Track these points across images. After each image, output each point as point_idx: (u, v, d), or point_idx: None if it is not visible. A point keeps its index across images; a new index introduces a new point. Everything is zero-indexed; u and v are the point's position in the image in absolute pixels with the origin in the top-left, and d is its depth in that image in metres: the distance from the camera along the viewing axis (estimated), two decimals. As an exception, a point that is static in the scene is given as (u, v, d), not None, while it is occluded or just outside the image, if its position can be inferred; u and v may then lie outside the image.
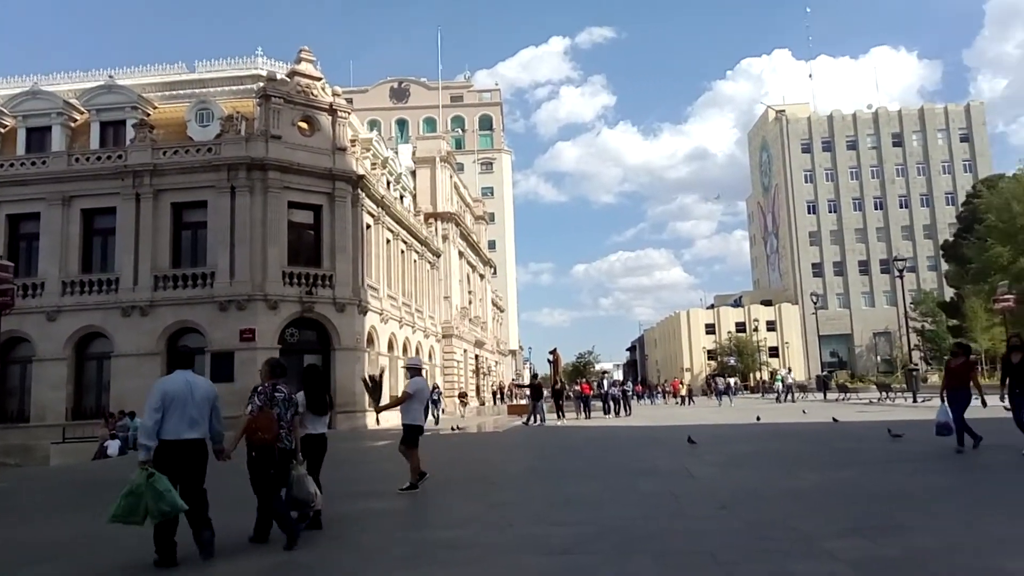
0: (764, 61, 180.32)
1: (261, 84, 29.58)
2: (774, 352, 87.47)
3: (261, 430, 6.91)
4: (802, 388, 58.77)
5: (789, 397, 41.36)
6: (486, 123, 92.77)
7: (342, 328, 28.83)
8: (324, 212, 29.39)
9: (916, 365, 39.45)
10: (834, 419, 20.85)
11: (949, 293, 66.90)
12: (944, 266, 70.73)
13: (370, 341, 31.62)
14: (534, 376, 34.90)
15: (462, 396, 40.10)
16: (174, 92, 32.72)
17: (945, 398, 12.24)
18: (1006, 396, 11.35)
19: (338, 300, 28.75)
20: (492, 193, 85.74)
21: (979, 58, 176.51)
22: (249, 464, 6.99)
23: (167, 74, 33.90)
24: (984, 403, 12.40)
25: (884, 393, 34.57)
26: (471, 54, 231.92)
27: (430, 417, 30.66)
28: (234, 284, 27.10)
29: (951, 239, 61.37)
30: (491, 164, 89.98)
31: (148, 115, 30.54)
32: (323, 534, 7.47)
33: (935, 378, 49.16)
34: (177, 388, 6.60)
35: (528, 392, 30.09)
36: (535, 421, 26.90)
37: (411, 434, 10.58)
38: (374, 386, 11.05)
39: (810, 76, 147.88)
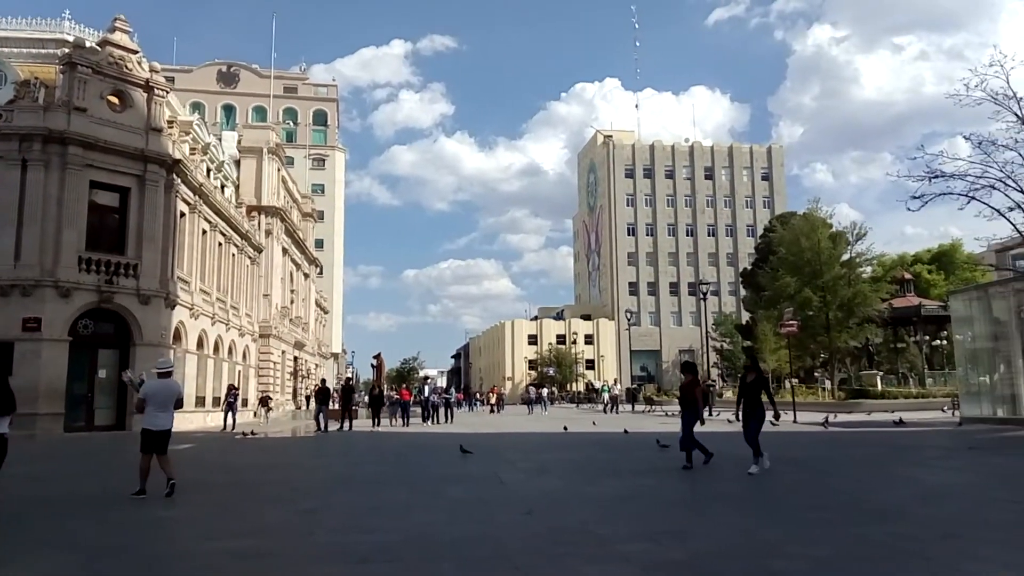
0: (596, 87, 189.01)
1: (67, 50, 26.90)
2: (591, 364, 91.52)
3: None
4: (613, 400, 61.89)
5: (614, 408, 41.79)
6: (321, 118, 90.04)
7: (145, 322, 26.72)
8: (132, 196, 27.17)
9: (713, 381, 42.80)
10: (625, 431, 21.90)
11: (745, 317, 73.23)
12: (742, 292, 77.37)
13: (177, 337, 29.55)
14: (322, 380, 33.25)
15: (264, 401, 37.24)
16: (-42, 48, 28.97)
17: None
18: (739, 413, 11.70)
19: (143, 292, 26.64)
20: (323, 191, 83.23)
21: (781, 106, 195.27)
22: None
23: (-50, 27, 29.97)
24: (702, 420, 12.63)
25: (614, 406, 37.41)
26: (308, 46, 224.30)
27: (230, 421, 28.18)
28: (19, 267, 24.40)
29: (749, 268, 67.17)
30: (324, 161, 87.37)
31: (-77, 70, 26.84)
32: (102, 543, 6.79)
33: (730, 394, 53.57)
34: None
35: (317, 397, 27.98)
36: (321, 429, 25.28)
37: (142, 439, 9.94)
38: (138, 385, 10.42)
39: (636, 106, 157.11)
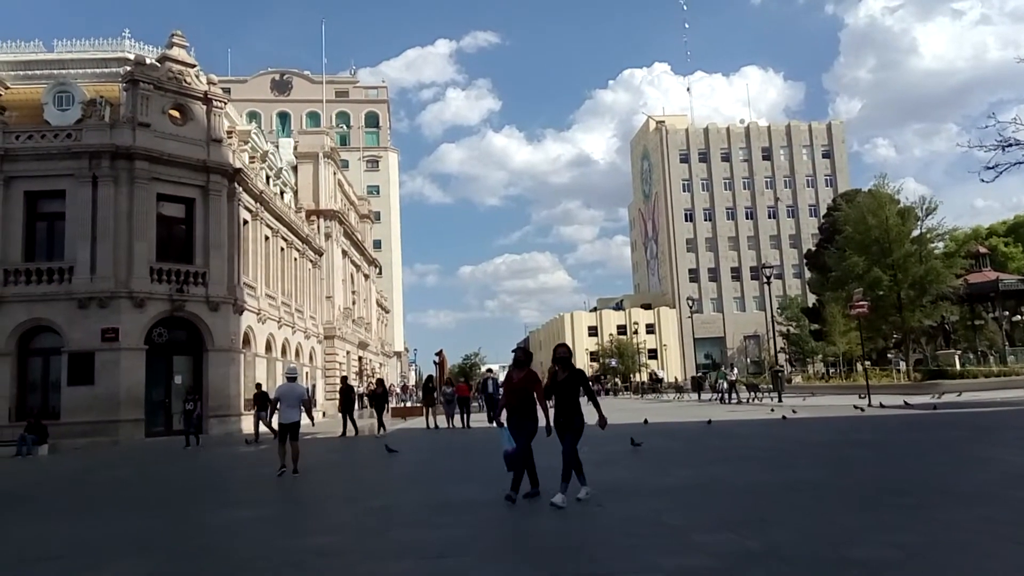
0: (644, 73, 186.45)
1: (128, 68, 27.85)
2: (653, 354, 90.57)
3: None
4: (679, 389, 61.07)
5: (733, 397, 35.42)
6: (372, 120, 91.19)
7: (216, 328, 27.53)
8: (197, 206, 27.99)
9: (781, 367, 41.75)
10: (709, 421, 21.00)
11: (812, 299, 71.32)
12: (807, 274, 75.33)
13: (246, 342, 30.36)
14: (343, 378, 27.76)
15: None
16: (29, 72, 30.26)
17: (505, 421, 8.95)
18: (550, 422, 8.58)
19: (212, 299, 27.44)
20: (378, 192, 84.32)
21: (836, 82, 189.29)
22: None
23: (21, 52, 31.26)
24: (548, 430, 8.61)
25: (752, 393, 36.31)
26: (355, 51, 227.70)
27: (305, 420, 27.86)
28: (95, 280, 25.38)
29: (814, 248, 65.38)
30: (377, 162, 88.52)
31: (-1, 95, 28.16)
32: (187, 544, 6.99)
33: (799, 379, 52.32)
34: None
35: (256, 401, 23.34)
36: (380, 431, 22.62)
37: (279, 431, 12.79)
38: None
39: (688, 90, 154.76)
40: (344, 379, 26.70)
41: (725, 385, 36.73)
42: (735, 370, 41.00)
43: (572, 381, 8.42)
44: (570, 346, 8.74)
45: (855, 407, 23.47)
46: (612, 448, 15.06)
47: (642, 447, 14.07)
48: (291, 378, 13.25)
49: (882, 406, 23.45)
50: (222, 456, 18.74)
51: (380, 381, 27.46)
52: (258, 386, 25.30)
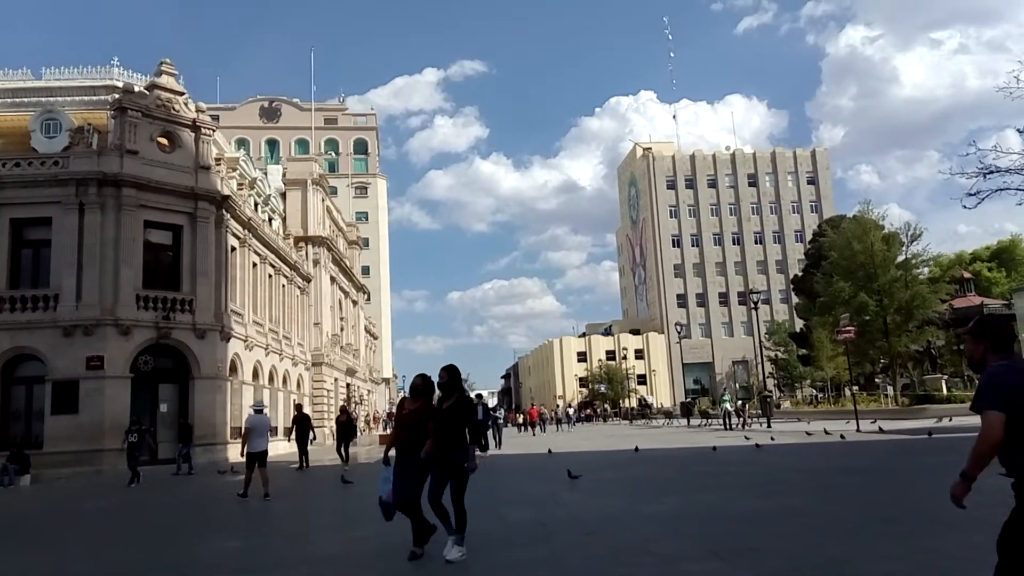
0: (630, 100, 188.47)
1: (116, 95, 27.88)
2: (642, 380, 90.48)
3: None
4: (667, 415, 60.97)
5: (739, 424, 34.02)
6: (361, 147, 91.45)
7: (202, 356, 27.29)
8: (185, 233, 27.88)
9: (770, 392, 41.80)
10: (714, 448, 20.48)
11: (799, 324, 71.56)
12: (794, 299, 75.63)
13: (233, 369, 30.10)
14: (298, 407, 25.15)
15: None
16: (17, 100, 30.25)
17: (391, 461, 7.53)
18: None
19: (198, 326, 27.23)
20: (367, 218, 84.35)
21: (819, 110, 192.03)
22: None
23: (9, 80, 31.28)
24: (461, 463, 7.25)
25: (740, 419, 36.23)
26: (344, 79, 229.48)
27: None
28: (81, 307, 25.15)
29: (800, 274, 65.65)
30: (366, 189, 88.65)
31: (-14, 123, 28.07)
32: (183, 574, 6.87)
33: (787, 404, 52.35)
34: None
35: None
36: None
37: (247, 458, 13.76)
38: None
39: (674, 117, 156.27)
40: (299, 407, 24.45)
41: (729, 409, 35.56)
42: (737, 400, 39.26)
43: (457, 410, 7.05)
44: (459, 367, 7.39)
45: (807, 433, 23.73)
46: (605, 475, 15.03)
47: (580, 478, 13.42)
48: (258, 410, 14.47)
49: (857, 431, 23.47)
50: (181, 489, 18.49)
51: (344, 409, 24.87)
52: (184, 418, 25.09)
